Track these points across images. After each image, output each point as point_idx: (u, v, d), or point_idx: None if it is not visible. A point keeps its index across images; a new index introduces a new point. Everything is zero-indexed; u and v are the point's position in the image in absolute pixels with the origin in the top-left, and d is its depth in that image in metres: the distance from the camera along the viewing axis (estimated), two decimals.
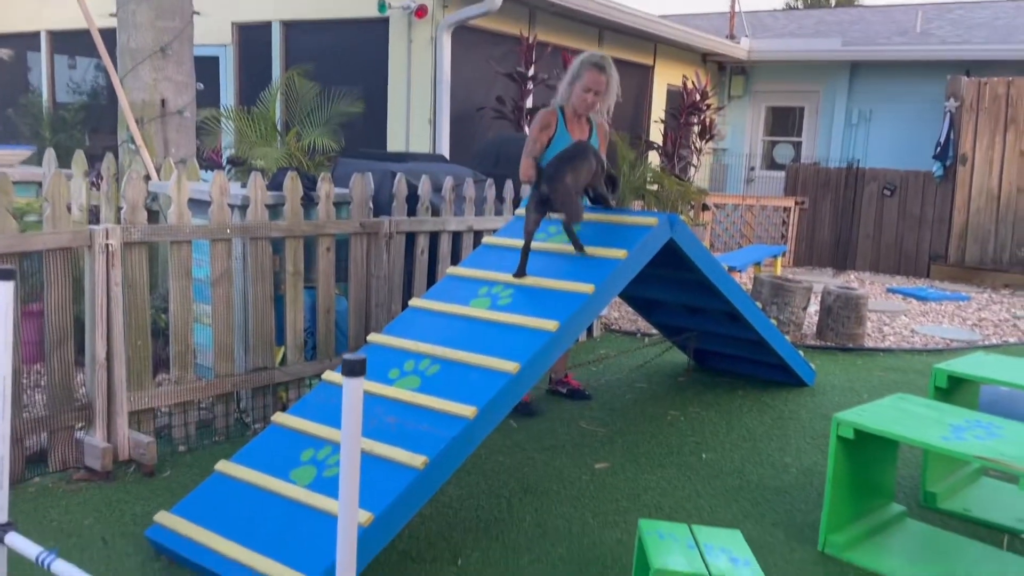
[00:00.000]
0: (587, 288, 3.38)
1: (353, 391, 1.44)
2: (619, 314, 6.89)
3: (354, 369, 1.42)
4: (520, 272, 3.59)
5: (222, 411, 3.84)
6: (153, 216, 4.49)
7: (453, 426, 2.79)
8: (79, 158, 5.05)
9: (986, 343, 6.50)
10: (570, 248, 3.69)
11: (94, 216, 5.11)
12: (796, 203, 10.63)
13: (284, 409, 3.88)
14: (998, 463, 2.56)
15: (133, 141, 4.74)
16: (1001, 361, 3.64)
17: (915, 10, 12.66)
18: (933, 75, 10.64)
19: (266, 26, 8.31)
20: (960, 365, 3.50)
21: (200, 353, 4.03)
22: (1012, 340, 6.64)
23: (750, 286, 7.19)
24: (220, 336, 3.79)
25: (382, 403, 3.00)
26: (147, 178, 4.66)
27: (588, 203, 4.01)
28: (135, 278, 3.46)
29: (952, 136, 9.72)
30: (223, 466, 2.95)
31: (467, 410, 2.84)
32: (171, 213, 3.62)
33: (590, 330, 6.15)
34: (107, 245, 3.32)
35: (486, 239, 4.14)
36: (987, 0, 13.63)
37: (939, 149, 9.82)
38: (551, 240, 3.86)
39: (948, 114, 9.71)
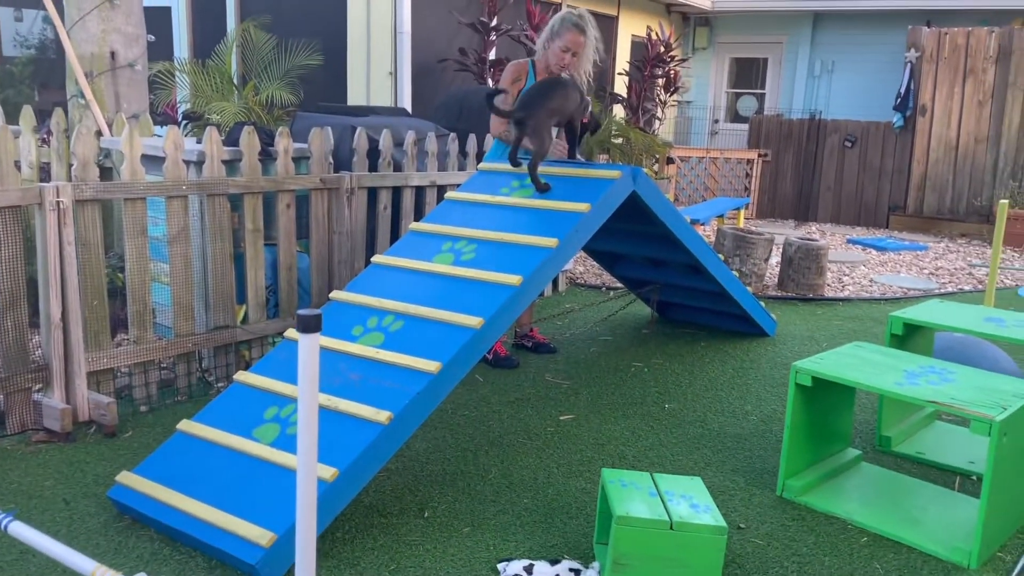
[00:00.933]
0: (551, 242, 3.37)
1: (309, 347, 1.43)
2: (584, 268, 6.91)
3: (309, 325, 1.40)
4: (512, 161, 3.75)
5: (184, 370, 3.80)
6: (106, 173, 4.38)
7: (417, 381, 2.79)
8: (27, 114, 4.90)
9: (942, 291, 6.64)
10: (534, 202, 3.67)
11: (45, 174, 4.97)
12: (759, 155, 10.68)
13: (247, 368, 3.86)
14: (950, 407, 2.63)
15: (83, 95, 4.59)
16: (954, 308, 3.72)
17: None
18: (895, 25, 10.67)
19: None
20: (915, 312, 3.57)
21: (160, 312, 3.97)
22: (967, 288, 6.79)
23: (713, 238, 7.25)
24: (179, 295, 3.73)
25: (346, 360, 2.98)
26: (98, 134, 4.53)
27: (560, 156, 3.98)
28: (88, 237, 3.38)
29: (912, 87, 9.80)
30: (185, 425, 2.92)
31: (431, 365, 2.83)
32: (124, 169, 3.53)
33: (555, 284, 6.17)
34: (58, 203, 3.23)
35: (449, 194, 4.11)
36: None
37: (899, 100, 9.90)
38: (515, 194, 3.84)
39: (909, 64, 9.77)
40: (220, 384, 3.86)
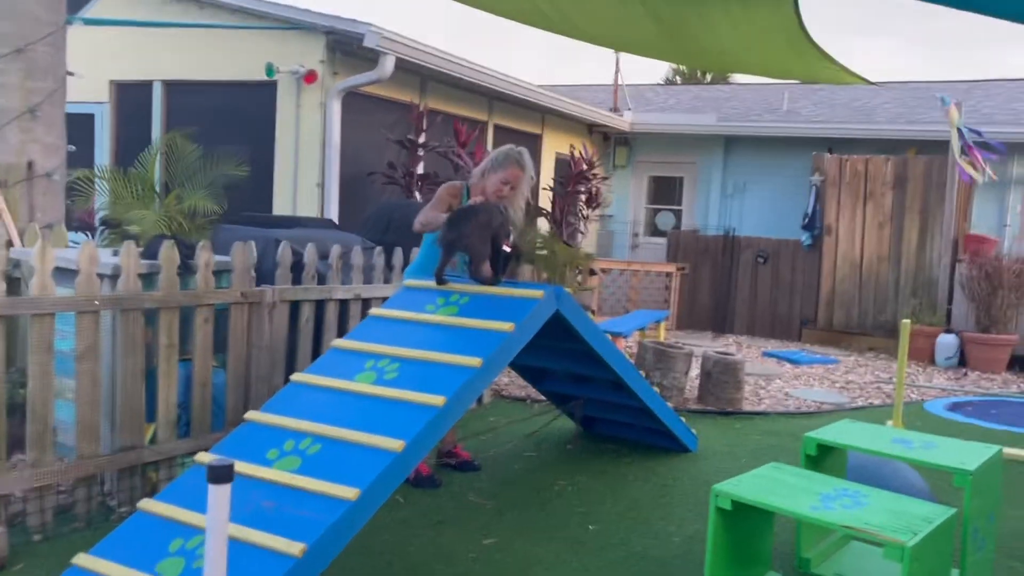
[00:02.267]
0: (475, 362, 3.37)
1: (219, 499, 1.37)
2: (508, 380, 6.91)
3: (220, 476, 1.35)
4: (438, 279, 3.94)
5: (84, 495, 3.58)
6: (14, 284, 4.22)
7: (334, 510, 2.70)
8: None
9: (853, 406, 6.86)
10: (459, 320, 3.69)
11: None
12: (677, 269, 11.04)
13: (153, 491, 3.67)
14: (863, 532, 2.68)
15: None
16: (865, 429, 3.84)
17: (782, 90, 13.56)
18: (800, 150, 11.38)
19: (147, 85, 8.09)
20: (828, 433, 3.67)
21: (62, 431, 3.77)
22: (877, 402, 7.03)
23: (635, 350, 7.37)
24: (84, 414, 3.56)
25: (259, 486, 2.87)
26: (9, 244, 4.39)
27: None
28: None
29: (818, 208, 10.39)
30: (81, 559, 2.73)
31: (349, 492, 2.75)
32: (34, 284, 3.41)
33: (480, 397, 6.13)
34: None
35: (373, 310, 4.09)
36: None
37: (807, 220, 10.46)
38: (439, 311, 3.85)
39: (814, 187, 10.39)
40: (123, 509, 3.65)
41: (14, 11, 4.47)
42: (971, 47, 46.67)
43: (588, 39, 4.70)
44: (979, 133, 8.68)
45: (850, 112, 12.15)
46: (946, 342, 9.04)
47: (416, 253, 5.41)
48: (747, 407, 6.54)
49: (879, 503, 2.92)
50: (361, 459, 2.93)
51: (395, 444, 2.95)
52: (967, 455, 3.45)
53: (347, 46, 7.29)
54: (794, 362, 8.80)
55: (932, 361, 9.11)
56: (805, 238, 10.50)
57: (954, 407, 6.98)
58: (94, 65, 7.86)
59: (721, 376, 6.45)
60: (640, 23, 3.92)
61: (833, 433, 3.68)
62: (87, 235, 6.97)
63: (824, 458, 3.65)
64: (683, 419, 5.17)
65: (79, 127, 7.48)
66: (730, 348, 9.53)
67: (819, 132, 11.35)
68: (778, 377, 7.92)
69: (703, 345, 9.35)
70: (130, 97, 8.26)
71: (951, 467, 3.29)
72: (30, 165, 4.59)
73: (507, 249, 4.00)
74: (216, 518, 1.36)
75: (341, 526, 2.69)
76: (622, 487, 4.46)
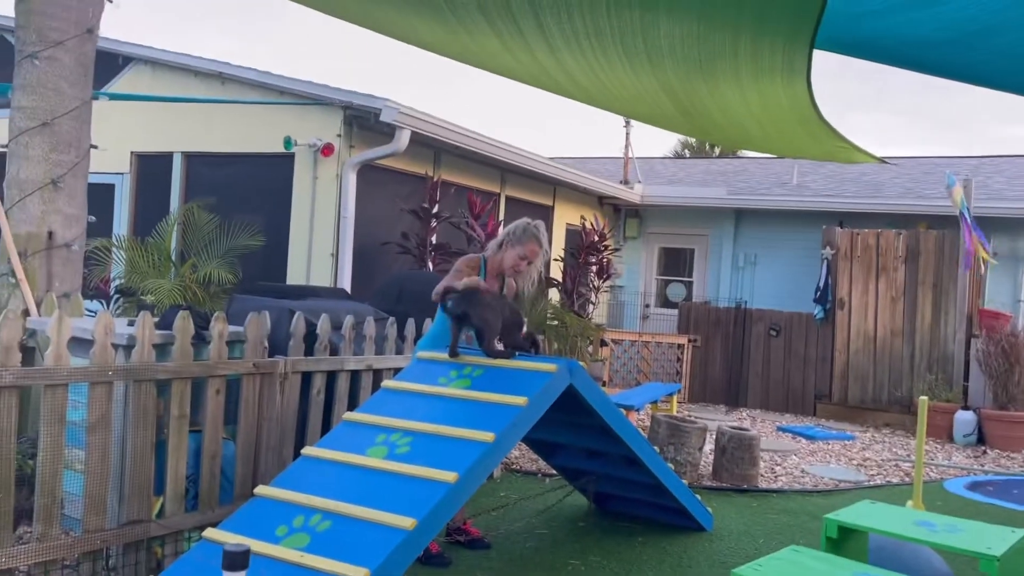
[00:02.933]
0: (488, 436, 3.34)
1: None
2: (519, 453, 6.82)
3: (235, 563, 1.32)
4: (452, 352, 3.97)
5: (88, 570, 3.51)
6: (29, 353, 4.23)
7: None
8: None
9: (871, 484, 6.72)
10: (472, 394, 3.67)
11: None
12: (689, 341, 10.99)
13: (158, 567, 3.61)
14: None
15: (13, 274, 4.51)
16: (886, 511, 3.75)
17: (792, 164, 13.72)
18: (810, 224, 11.44)
19: (167, 156, 8.25)
20: (848, 516, 3.58)
21: (69, 503, 3.72)
22: (895, 480, 6.89)
23: (647, 424, 7.28)
24: (92, 487, 3.51)
25: (267, 564, 2.81)
26: (26, 313, 4.42)
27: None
28: (2, 425, 3.21)
29: (830, 281, 10.37)
30: None
31: (359, 572, 2.69)
32: (49, 354, 3.41)
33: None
34: None
35: (386, 383, 4.07)
36: None
37: (819, 293, 10.44)
38: (452, 385, 3.83)
39: (825, 261, 10.40)
40: None
41: (42, 86, 4.60)
42: (979, 123, 47.33)
43: (602, 107, 4.78)
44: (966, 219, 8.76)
45: (859, 187, 12.24)
46: (964, 419, 8.90)
47: (429, 324, 5.43)
48: (763, 484, 6.42)
49: None
50: (371, 537, 2.88)
51: (406, 522, 2.89)
52: (992, 539, 3.35)
53: (364, 120, 7.44)
54: (809, 437, 8.66)
55: (950, 438, 8.96)
56: (817, 311, 10.45)
57: (974, 486, 6.83)
58: (116, 137, 8.05)
59: (736, 452, 6.35)
60: (654, 96, 3.99)
61: (854, 515, 3.60)
62: (102, 303, 7.02)
63: (845, 540, 3.55)
64: (698, 496, 5.07)
65: (99, 197, 7.61)
66: (744, 422, 9.41)
67: (829, 206, 11.42)
68: (794, 453, 7.78)
69: (716, 419, 9.24)
70: (150, 168, 8.43)
71: (977, 552, 3.20)
72: (50, 235, 4.65)
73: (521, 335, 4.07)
74: None
75: None
76: (636, 568, 4.35)
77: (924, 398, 5.06)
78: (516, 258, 4.28)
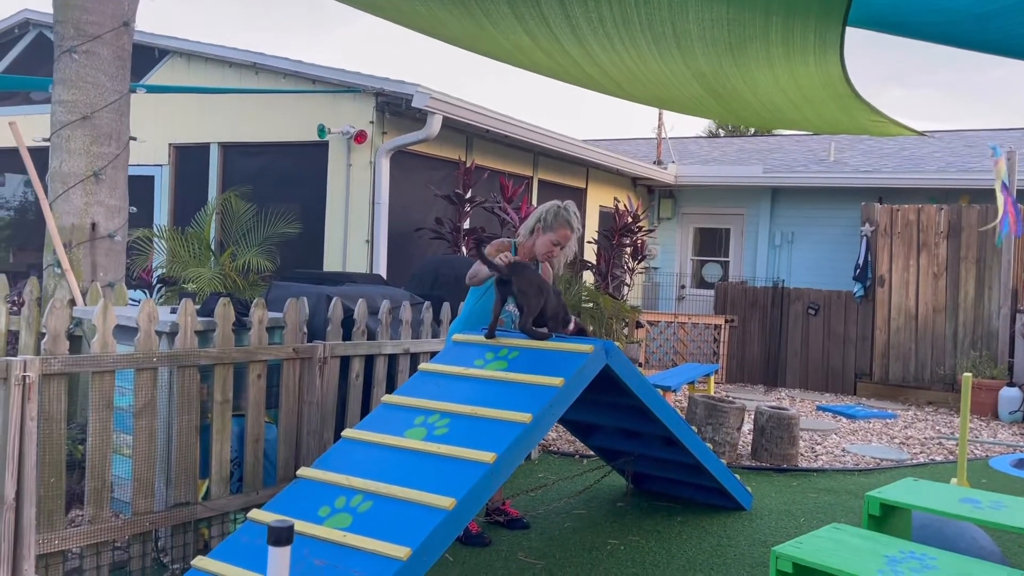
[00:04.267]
0: (525, 417, 3.35)
1: (279, 561, 1.37)
2: (556, 435, 6.84)
3: (281, 537, 1.35)
4: (490, 334, 3.96)
5: (139, 551, 3.61)
6: (76, 342, 4.34)
7: (385, 570, 2.68)
8: (0, 282, 4.90)
9: (914, 462, 6.63)
10: (509, 375, 3.68)
11: (12, 340, 4.92)
12: (726, 321, 10.90)
13: (206, 548, 3.69)
14: None
15: (59, 265, 4.62)
16: (930, 487, 3.70)
17: (829, 140, 13.49)
18: (849, 201, 11.26)
19: (204, 147, 8.37)
20: (891, 493, 3.54)
21: (118, 486, 3.82)
22: (938, 459, 6.79)
23: (684, 405, 7.25)
24: (140, 470, 3.60)
25: (310, 544, 2.86)
26: (72, 303, 4.53)
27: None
28: (52, 411, 3.30)
29: (869, 258, 10.21)
30: None
31: (400, 551, 2.73)
32: (95, 342, 3.50)
33: (528, 453, 6.07)
34: (24, 377, 3.17)
35: (422, 366, 4.11)
36: None
37: (858, 271, 10.28)
38: (488, 366, 3.85)
39: (864, 238, 10.22)
40: (176, 566, 3.66)
41: (81, 80, 4.68)
42: (1017, 96, 46.05)
43: (632, 98, 4.75)
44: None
45: (898, 161, 12.01)
46: (1009, 396, 8.72)
47: (462, 307, 5.46)
48: (803, 463, 6.36)
49: (949, 567, 2.80)
50: (412, 517, 2.91)
51: (446, 502, 2.92)
52: None
53: (396, 107, 7.47)
54: (850, 416, 8.56)
55: (995, 416, 8.79)
56: (857, 289, 10.30)
57: (1020, 464, 6.70)
58: (155, 129, 8.18)
59: (775, 431, 6.30)
60: (683, 82, 3.95)
61: (897, 492, 3.56)
62: (145, 292, 7.17)
63: (888, 518, 3.52)
64: (737, 476, 5.04)
65: (140, 188, 7.76)
66: (783, 402, 9.33)
67: (867, 182, 11.23)
68: (834, 432, 7.70)
69: (755, 399, 9.17)
70: (188, 159, 8.56)
71: (1023, 528, 3.15)
72: (93, 226, 4.75)
73: (571, 328, 4.10)
74: None
75: None
76: (676, 547, 4.35)
77: (968, 375, 4.97)
78: (549, 244, 4.25)
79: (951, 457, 6.79)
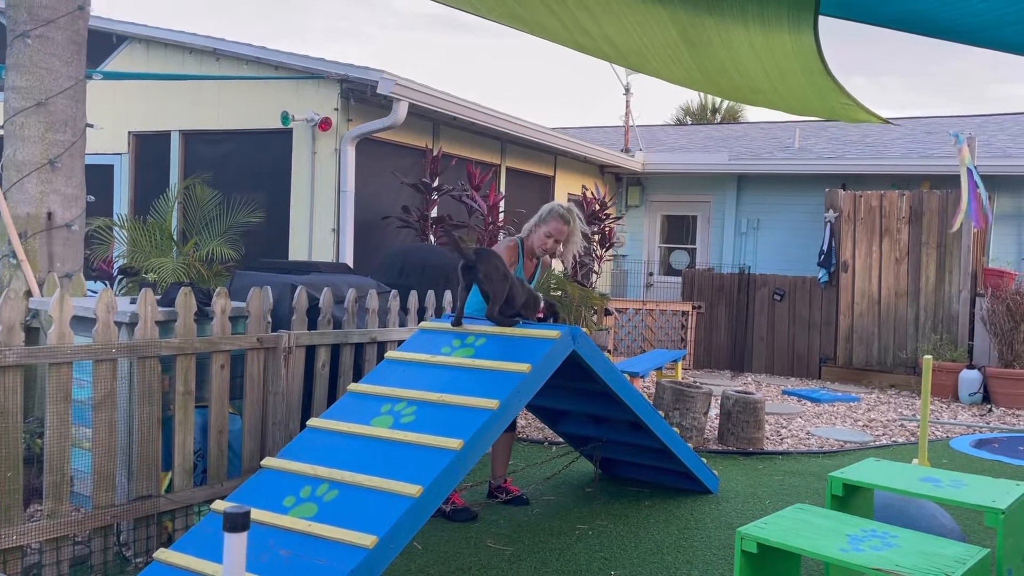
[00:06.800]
0: (492, 404, 3.34)
1: (235, 548, 1.35)
2: (525, 422, 6.84)
3: (236, 524, 1.32)
4: (456, 321, 3.97)
5: (100, 545, 3.55)
6: (32, 333, 4.24)
7: (351, 558, 2.66)
8: None
9: (877, 444, 6.74)
10: (475, 362, 3.67)
11: None
12: (693, 307, 10.99)
13: (169, 541, 3.64)
14: (895, 575, 2.60)
15: (14, 255, 4.51)
16: (891, 467, 3.76)
17: (793, 127, 13.61)
18: (813, 187, 11.38)
19: (164, 135, 8.22)
20: (853, 473, 3.59)
21: (78, 480, 3.75)
22: (901, 440, 6.91)
23: (652, 391, 7.30)
24: (101, 463, 3.54)
25: (275, 534, 2.83)
26: (28, 294, 4.43)
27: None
28: (7, 404, 3.22)
29: (833, 244, 10.33)
30: None
31: (366, 539, 2.71)
32: (51, 333, 3.42)
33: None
34: None
35: (389, 354, 4.08)
36: None
37: (822, 256, 10.40)
38: (455, 354, 3.84)
39: (828, 224, 10.35)
40: (139, 560, 3.61)
41: (35, 66, 4.56)
42: (976, 84, 46.87)
43: (609, 57, 4.67)
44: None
45: (862, 148, 12.16)
46: (969, 378, 8.90)
47: (431, 297, 5.44)
48: (768, 447, 6.44)
49: (910, 544, 2.84)
50: (379, 505, 2.89)
51: (413, 489, 2.91)
52: (998, 493, 3.36)
53: (361, 93, 7.39)
54: (815, 400, 8.68)
55: (955, 397, 8.97)
56: (821, 275, 10.43)
57: (980, 444, 6.85)
58: (114, 117, 8.01)
59: (741, 416, 6.36)
60: (660, 24, 3.89)
61: (859, 472, 3.61)
62: (105, 284, 7.03)
63: (851, 498, 3.56)
64: (704, 460, 5.09)
65: (98, 177, 7.59)
66: (749, 387, 9.43)
67: (831, 168, 11.36)
68: (799, 416, 7.80)
69: (722, 384, 9.26)
70: (148, 147, 8.40)
71: (982, 506, 3.21)
72: (50, 216, 4.64)
73: (540, 316, 4.16)
74: (232, 567, 1.34)
75: (359, 575, 2.64)
76: (644, 530, 4.38)
77: (928, 357, 5.05)
78: (543, 236, 4.49)
79: (913, 439, 6.91)
